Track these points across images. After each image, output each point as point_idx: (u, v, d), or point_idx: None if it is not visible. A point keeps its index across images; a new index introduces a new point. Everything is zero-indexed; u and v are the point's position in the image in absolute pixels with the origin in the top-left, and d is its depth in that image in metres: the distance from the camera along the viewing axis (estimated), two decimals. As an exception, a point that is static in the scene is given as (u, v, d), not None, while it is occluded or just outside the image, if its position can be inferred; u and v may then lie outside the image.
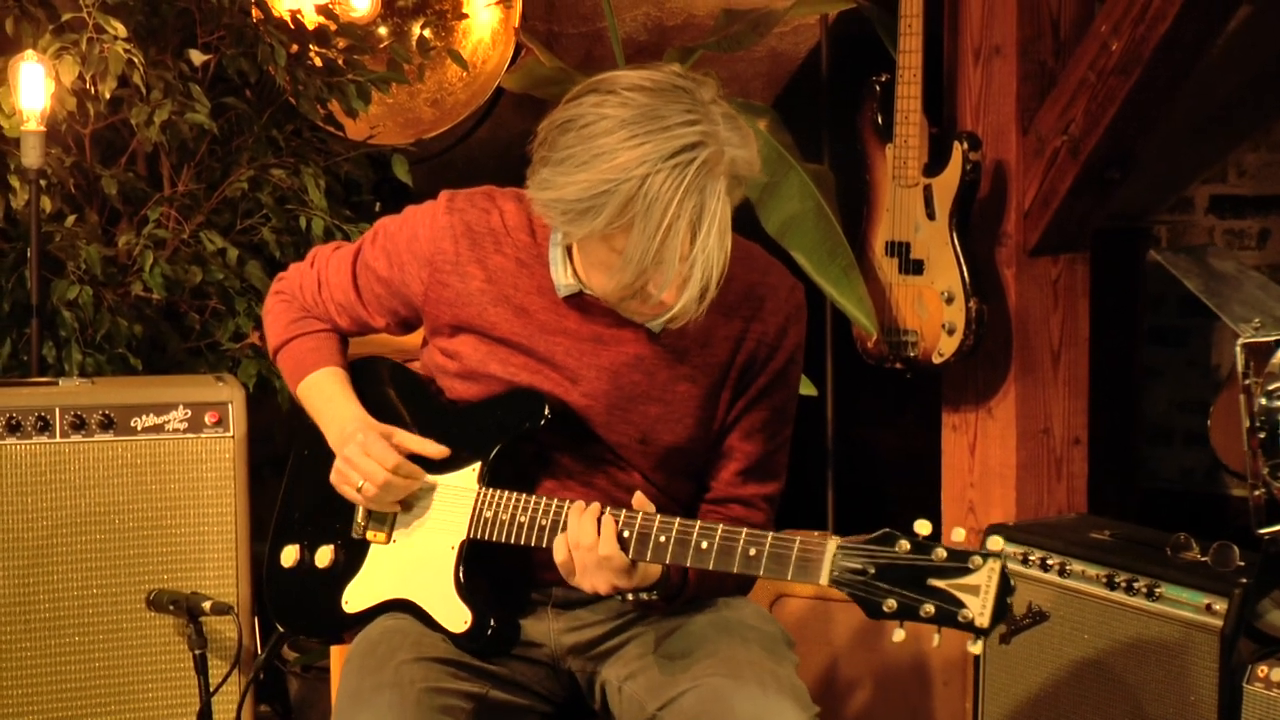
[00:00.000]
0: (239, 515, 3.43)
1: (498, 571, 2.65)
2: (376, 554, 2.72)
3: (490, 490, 2.61)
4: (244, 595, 3.43)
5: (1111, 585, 3.39)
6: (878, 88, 4.11)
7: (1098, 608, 3.42)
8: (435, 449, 2.66)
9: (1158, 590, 3.31)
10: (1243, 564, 3.22)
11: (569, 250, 2.59)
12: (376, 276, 2.74)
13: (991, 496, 4.14)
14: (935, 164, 4.00)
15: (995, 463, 4.13)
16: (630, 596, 2.53)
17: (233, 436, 3.44)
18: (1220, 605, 3.20)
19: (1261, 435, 2.78)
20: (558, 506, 2.54)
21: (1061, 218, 3.99)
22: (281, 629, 2.88)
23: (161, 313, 4.05)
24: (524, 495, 2.58)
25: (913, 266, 4.04)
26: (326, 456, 2.73)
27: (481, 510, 2.61)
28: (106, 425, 3.37)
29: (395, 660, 2.55)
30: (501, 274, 2.64)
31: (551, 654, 2.69)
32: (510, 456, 2.63)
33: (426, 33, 4.79)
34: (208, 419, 3.42)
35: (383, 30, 4.82)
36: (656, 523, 2.44)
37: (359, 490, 2.65)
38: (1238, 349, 2.73)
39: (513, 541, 2.57)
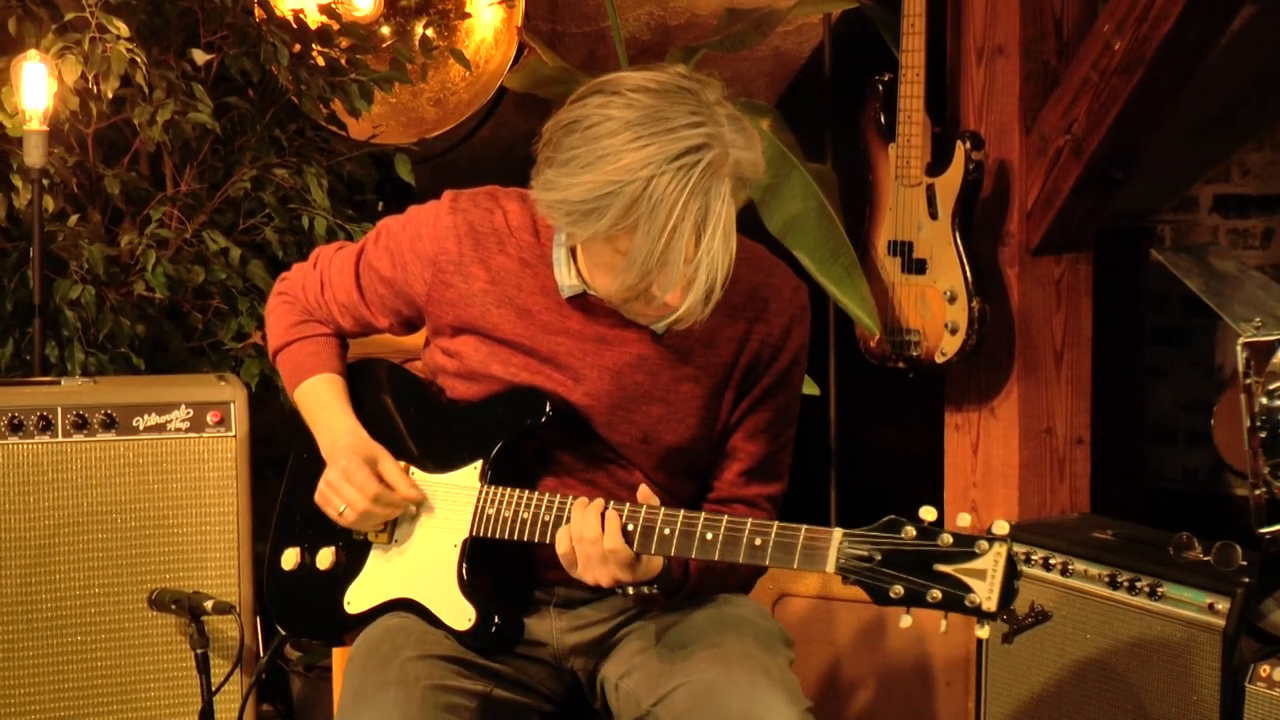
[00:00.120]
0: (241, 515, 3.43)
1: (501, 569, 2.65)
2: (378, 554, 2.73)
3: (492, 488, 2.61)
4: (246, 595, 3.42)
5: (1114, 585, 3.39)
6: (880, 87, 4.11)
7: (1100, 607, 3.42)
8: (409, 492, 2.66)
9: (1160, 590, 3.31)
10: (1245, 564, 3.22)
11: (573, 251, 2.59)
12: (380, 277, 2.74)
13: (994, 496, 4.14)
14: (938, 163, 4.00)
15: (998, 462, 4.13)
16: (631, 591, 2.53)
17: (235, 436, 3.44)
18: (1223, 605, 3.20)
19: (1262, 435, 2.78)
20: (560, 503, 2.54)
21: (1064, 217, 3.99)
22: (283, 632, 2.89)
23: (164, 312, 4.05)
24: (526, 492, 2.58)
25: (915, 266, 4.04)
26: (324, 459, 2.74)
27: (484, 508, 2.61)
28: (109, 425, 3.37)
29: (399, 658, 2.55)
30: (505, 274, 2.64)
31: (554, 653, 2.70)
32: (512, 454, 2.63)
33: (429, 32, 4.79)
34: (210, 419, 3.42)
35: (385, 30, 4.82)
36: (661, 515, 2.44)
37: (339, 515, 2.66)
38: (1238, 348, 2.73)
39: (515, 538, 2.57)
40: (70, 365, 3.82)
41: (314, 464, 2.78)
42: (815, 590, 3.85)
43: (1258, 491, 2.79)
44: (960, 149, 3.94)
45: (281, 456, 2.99)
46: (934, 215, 3.99)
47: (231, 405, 3.44)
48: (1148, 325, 5.86)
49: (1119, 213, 5.19)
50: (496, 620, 2.59)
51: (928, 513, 2.30)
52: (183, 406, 3.42)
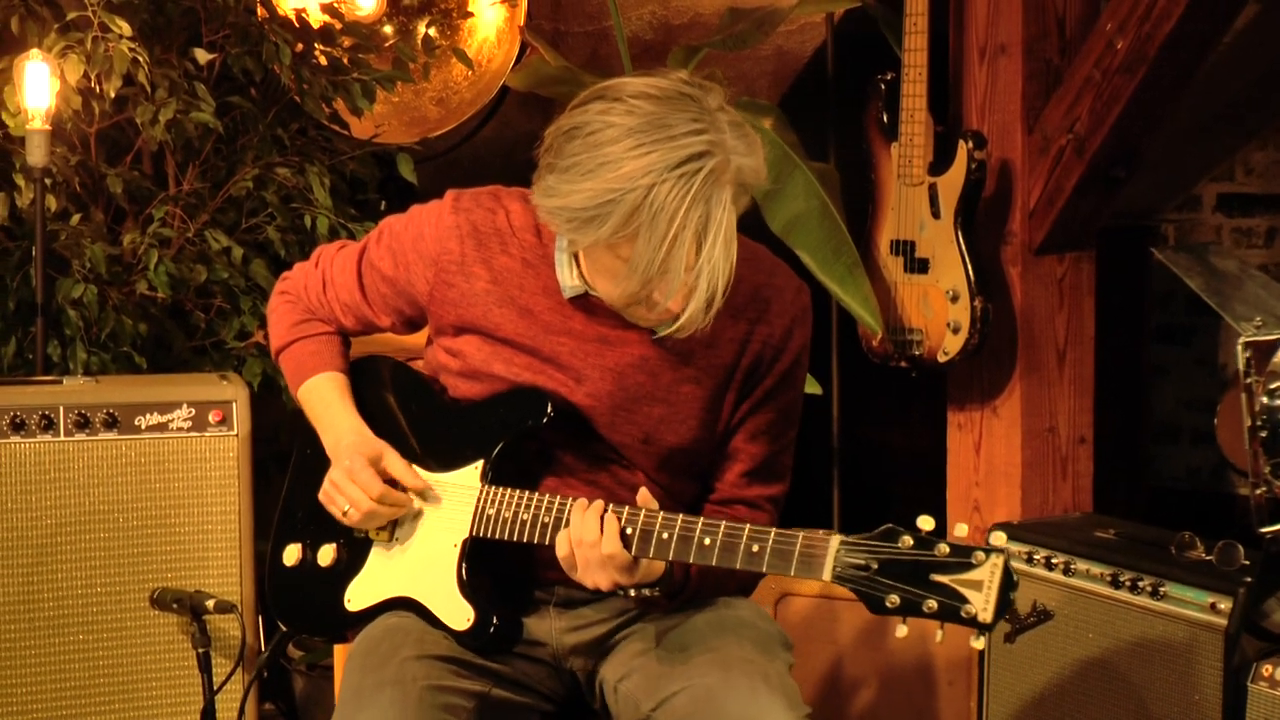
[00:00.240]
0: (243, 514, 3.43)
1: (500, 569, 2.65)
2: (379, 552, 2.73)
3: (493, 488, 2.61)
4: (248, 593, 3.42)
5: (1116, 584, 3.39)
6: (883, 86, 4.10)
7: (1102, 607, 3.42)
8: (416, 482, 2.66)
9: (1162, 589, 3.31)
10: (1247, 563, 3.22)
11: (575, 252, 2.58)
12: (382, 276, 2.74)
13: (997, 495, 4.13)
14: (940, 162, 3.99)
15: (1000, 461, 4.12)
16: (632, 593, 2.53)
17: (236, 435, 3.44)
18: (1225, 604, 3.20)
19: (1263, 434, 2.78)
20: (560, 504, 2.54)
21: (1067, 216, 3.99)
22: (284, 628, 2.89)
23: (166, 311, 4.05)
24: (527, 493, 2.58)
25: (918, 265, 4.03)
26: (328, 458, 2.74)
27: (484, 508, 2.61)
28: (110, 424, 3.37)
29: (397, 658, 2.55)
30: (507, 274, 2.64)
31: (554, 653, 2.70)
32: (513, 454, 2.63)
33: (431, 31, 4.79)
34: (212, 418, 3.42)
35: (388, 29, 4.82)
36: (659, 519, 2.44)
37: (344, 514, 2.66)
38: (1239, 347, 2.73)
39: (515, 539, 2.57)
40: (72, 364, 3.82)
41: (317, 461, 2.78)
42: (817, 590, 3.85)
43: (1259, 491, 2.79)
44: (963, 148, 3.94)
45: (284, 455, 2.99)
46: (936, 214, 3.99)
47: (233, 404, 3.44)
48: (1152, 324, 5.86)
49: (1122, 212, 5.18)
50: (495, 620, 2.59)
51: (925, 522, 2.29)
52: (185, 406, 3.42)
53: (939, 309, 3.99)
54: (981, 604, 2.25)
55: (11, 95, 3.78)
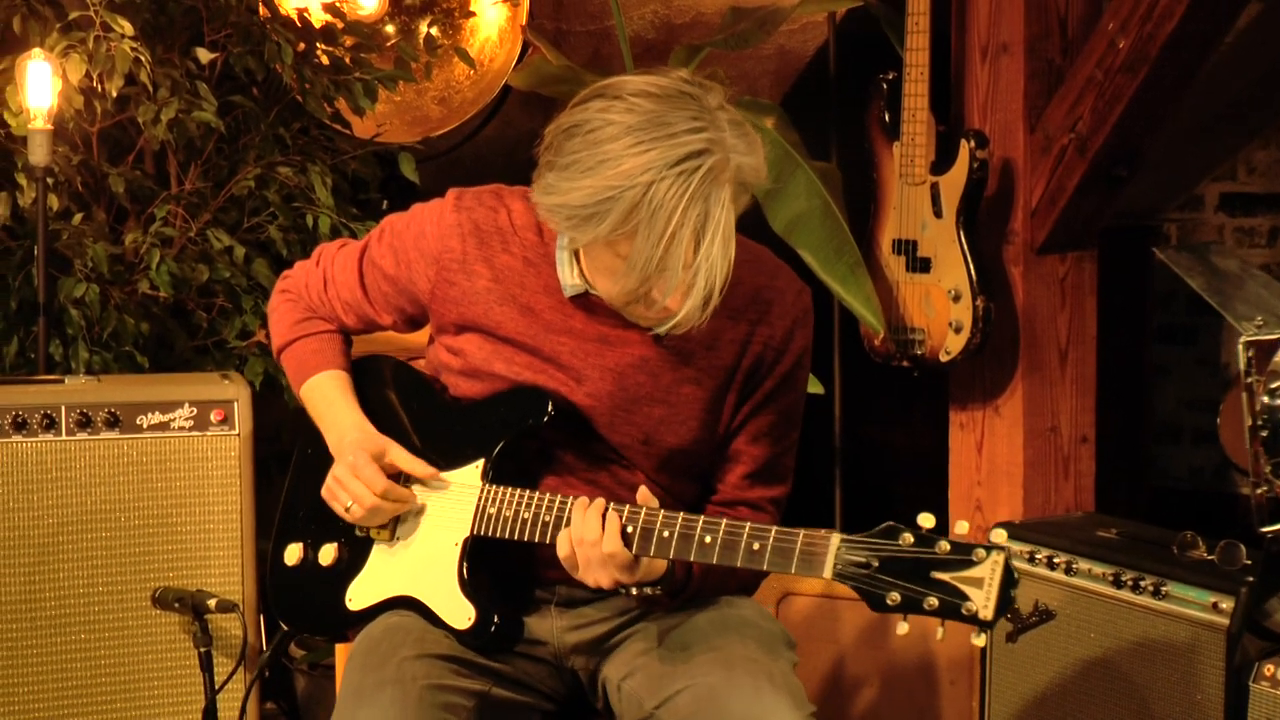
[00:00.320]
0: (244, 513, 3.43)
1: (501, 568, 2.65)
2: (380, 551, 2.73)
3: (494, 487, 2.61)
4: (249, 593, 3.42)
5: (1118, 584, 3.39)
6: (885, 85, 4.10)
7: (1104, 606, 3.42)
8: (424, 469, 2.66)
9: (1164, 589, 3.31)
10: (1249, 562, 3.21)
11: (576, 251, 2.58)
12: (383, 274, 2.74)
13: (999, 495, 4.13)
14: (942, 162, 3.99)
15: (1002, 461, 4.12)
16: (634, 592, 2.53)
17: (238, 434, 3.44)
18: (1227, 604, 3.20)
19: (1264, 434, 2.77)
20: (561, 503, 2.54)
21: (1069, 216, 3.99)
22: (285, 627, 2.89)
23: (168, 311, 4.05)
24: (527, 492, 2.58)
25: (920, 264, 4.03)
26: (329, 456, 2.75)
27: (485, 507, 2.61)
28: (112, 423, 3.37)
29: (397, 657, 2.55)
30: (508, 273, 2.64)
31: (555, 652, 2.70)
32: (513, 453, 2.63)
33: (434, 31, 4.79)
34: (213, 417, 3.42)
35: (390, 28, 4.82)
36: (660, 518, 2.44)
37: (347, 510, 2.66)
38: (1240, 347, 2.73)
39: (516, 538, 2.58)
40: (74, 364, 3.82)
41: (319, 460, 2.78)
42: (819, 589, 3.85)
43: (1259, 490, 2.79)
44: (965, 147, 3.94)
45: (285, 454, 2.99)
46: (938, 214, 3.99)
47: (235, 404, 3.44)
48: (1154, 324, 5.85)
49: (1125, 211, 5.18)
50: (496, 619, 2.60)
51: (926, 519, 2.29)
52: (186, 405, 3.42)
53: (941, 308, 3.99)
54: (982, 601, 2.25)
55: (14, 94, 3.78)
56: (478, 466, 2.64)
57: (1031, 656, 3.55)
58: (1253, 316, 2.79)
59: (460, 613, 2.61)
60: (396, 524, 2.71)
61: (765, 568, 2.39)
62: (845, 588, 2.32)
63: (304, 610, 2.83)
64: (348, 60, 4.23)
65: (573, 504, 2.51)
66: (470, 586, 2.61)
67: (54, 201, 3.86)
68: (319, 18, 4.32)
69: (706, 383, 2.62)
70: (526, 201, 2.62)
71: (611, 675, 2.67)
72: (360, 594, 2.73)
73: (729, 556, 2.40)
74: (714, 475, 2.70)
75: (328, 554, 2.77)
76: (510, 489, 2.60)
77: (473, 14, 4.86)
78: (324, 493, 2.71)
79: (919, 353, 4.05)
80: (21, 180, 3.86)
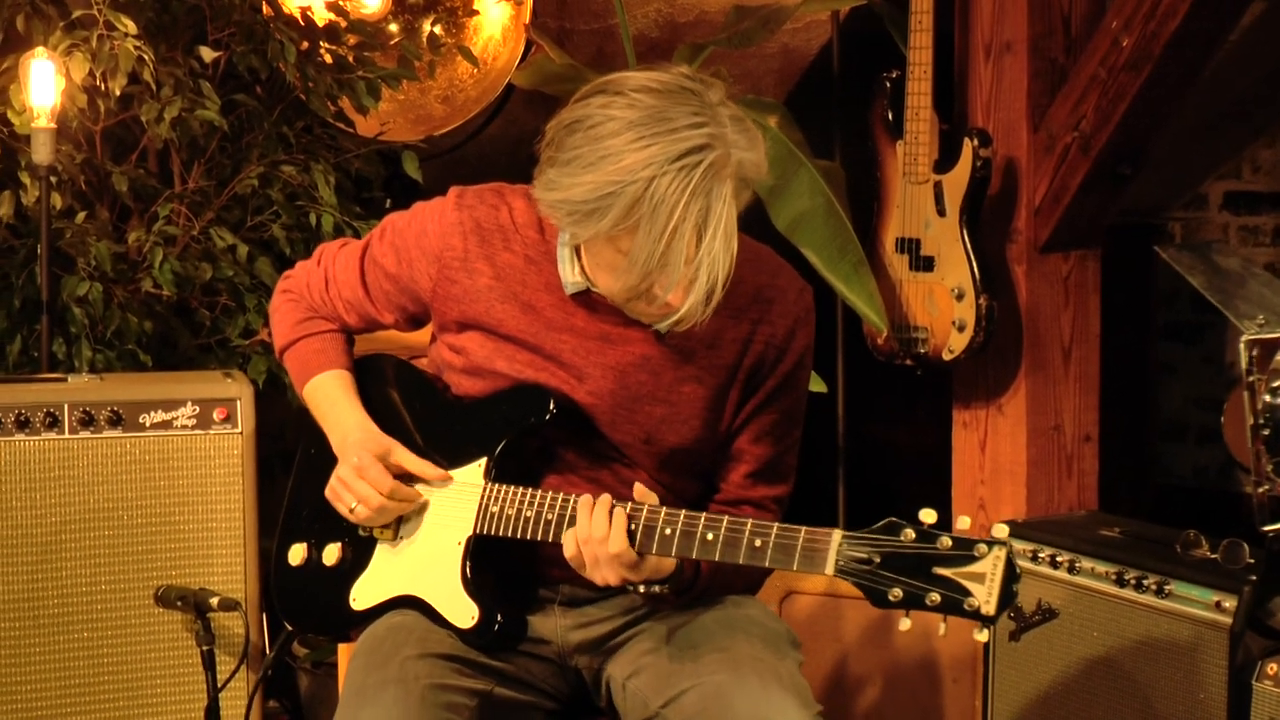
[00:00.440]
0: (247, 511, 3.44)
1: (504, 567, 2.65)
2: (383, 550, 2.73)
3: (496, 485, 2.61)
4: (252, 591, 3.43)
5: (1121, 582, 3.38)
6: (888, 84, 4.10)
7: (1107, 605, 3.41)
8: (433, 471, 2.66)
9: (1167, 588, 3.30)
10: (1252, 561, 3.21)
11: (577, 248, 2.58)
12: (385, 273, 2.74)
13: (1002, 493, 4.13)
14: (946, 160, 3.99)
15: (1006, 460, 4.12)
16: (642, 590, 2.53)
17: (241, 433, 3.44)
18: (1230, 603, 3.19)
19: (1266, 432, 2.77)
20: (563, 501, 2.54)
21: (1072, 214, 3.99)
22: (290, 627, 2.89)
23: (172, 309, 4.05)
24: (530, 490, 2.58)
25: (923, 263, 4.03)
26: (333, 456, 2.75)
27: (487, 505, 2.61)
28: (115, 421, 3.37)
29: (400, 656, 2.55)
30: (510, 271, 2.64)
31: (558, 651, 2.69)
32: (516, 452, 2.63)
33: (437, 29, 4.79)
34: (216, 415, 3.43)
35: (393, 27, 4.82)
36: (662, 515, 2.44)
37: (352, 511, 2.66)
38: (1241, 346, 2.73)
39: (519, 536, 2.57)
40: (78, 362, 3.82)
41: (322, 460, 2.78)
42: (822, 588, 3.85)
43: (1261, 489, 2.79)
44: (968, 146, 3.94)
45: (289, 453, 2.99)
46: (942, 212, 3.99)
47: (238, 402, 3.44)
48: (1159, 322, 5.85)
49: (1129, 209, 5.18)
50: (499, 618, 2.59)
51: (927, 515, 2.29)
52: (189, 403, 3.42)
53: (944, 307, 3.99)
54: (984, 596, 2.25)
55: (17, 93, 3.79)
56: (480, 465, 2.64)
57: (1034, 655, 3.55)
58: (1254, 315, 2.79)
59: (463, 612, 2.61)
60: (399, 523, 2.71)
61: (767, 564, 2.39)
62: (848, 586, 2.32)
63: (308, 610, 2.83)
64: (351, 59, 4.23)
65: (576, 502, 2.51)
66: (473, 585, 2.61)
67: (57, 200, 3.87)
68: (322, 16, 4.32)
69: (708, 381, 2.62)
70: (528, 199, 2.62)
71: (616, 674, 2.67)
72: (364, 593, 2.72)
73: (731, 553, 2.40)
74: (716, 474, 2.70)
75: (331, 554, 2.77)
76: (513, 487, 2.59)
77: (476, 12, 4.86)
78: (328, 493, 2.71)
79: (922, 351, 4.05)
80: (25, 179, 3.86)
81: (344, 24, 4.29)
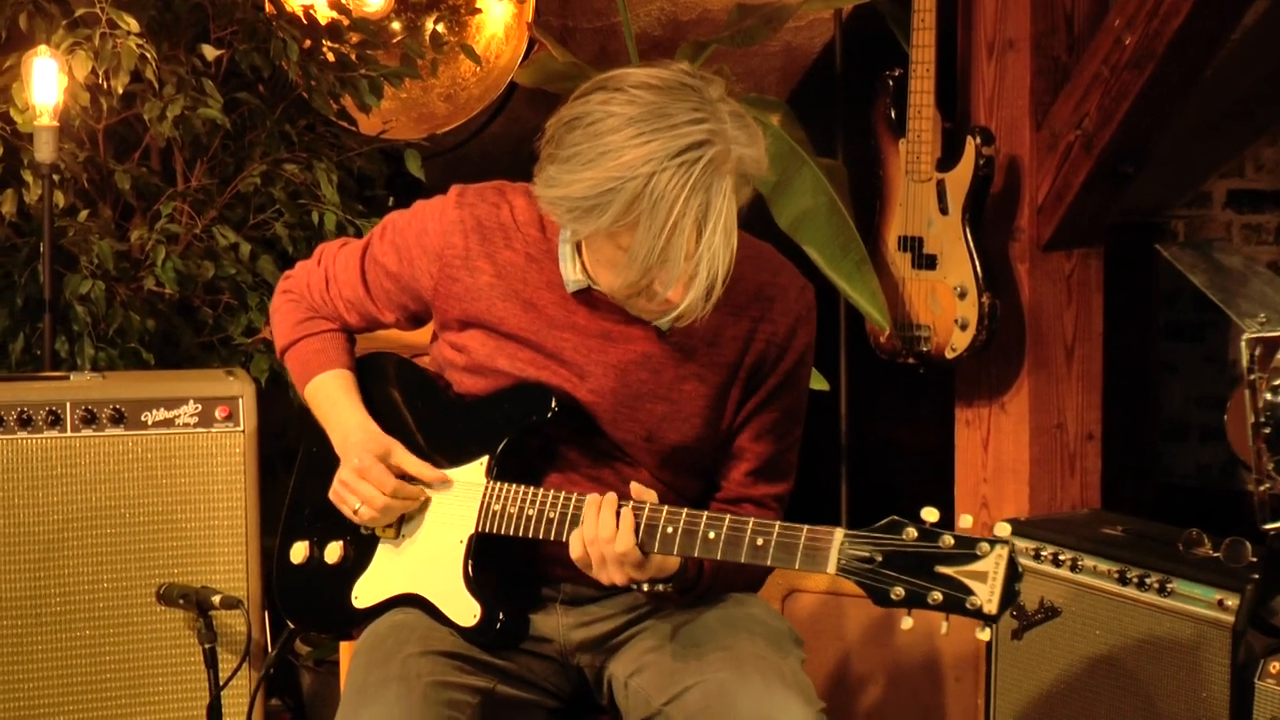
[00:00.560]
0: (249, 510, 3.44)
1: (506, 565, 2.65)
2: (385, 549, 2.73)
3: (498, 484, 2.61)
4: (254, 589, 3.43)
5: (1123, 581, 3.38)
6: (891, 82, 4.10)
7: (1110, 603, 3.41)
8: (431, 474, 2.66)
9: (1170, 586, 3.30)
10: (1255, 560, 3.20)
11: (578, 246, 2.58)
12: (386, 272, 2.74)
13: (1004, 492, 4.13)
14: (948, 159, 3.99)
15: (1008, 458, 4.12)
16: (646, 588, 2.53)
17: (243, 431, 3.44)
18: (1232, 601, 3.19)
19: (1267, 431, 2.77)
20: (565, 499, 2.54)
21: (1075, 212, 3.99)
22: (292, 625, 2.89)
23: (174, 307, 4.06)
24: (532, 488, 2.58)
25: (926, 261, 4.03)
26: (334, 455, 2.75)
27: (489, 504, 2.61)
28: (117, 420, 3.38)
29: (402, 654, 2.55)
30: (511, 269, 2.64)
31: (561, 649, 2.69)
32: (518, 450, 2.63)
33: (440, 27, 4.79)
34: (218, 414, 3.43)
35: (396, 25, 4.82)
36: (664, 513, 2.44)
37: (356, 513, 2.66)
38: (1243, 344, 2.72)
39: (521, 534, 2.57)
40: (80, 360, 3.82)
41: (323, 458, 2.78)
42: (825, 586, 3.85)
43: (1262, 487, 2.79)
44: (970, 144, 3.94)
45: (291, 451, 3.00)
46: (944, 210, 3.99)
47: (240, 400, 3.44)
48: (1161, 321, 5.85)
49: (1132, 208, 5.18)
50: (501, 617, 2.59)
51: (929, 513, 2.29)
52: (191, 402, 3.42)
53: (947, 305, 3.99)
54: (986, 595, 2.25)
55: (20, 92, 3.79)
56: (482, 463, 2.64)
57: (1037, 654, 3.55)
58: (1256, 314, 2.79)
59: (465, 610, 2.61)
60: (402, 522, 2.71)
61: (769, 563, 2.39)
62: (851, 585, 2.32)
63: (311, 608, 2.84)
64: (353, 57, 4.23)
65: (577, 501, 2.51)
66: (475, 584, 2.61)
67: (60, 198, 3.87)
68: (325, 15, 4.32)
69: (709, 379, 2.61)
70: (529, 197, 2.62)
71: (618, 672, 2.67)
72: (366, 592, 2.73)
73: (733, 552, 2.40)
74: (717, 472, 2.70)
75: (333, 552, 2.77)
76: (514, 486, 2.59)
77: (479, 11, 4.87)
78: (331, 495, 2.71)
79: (925, 349, 4.05)
80: (28, 177, 3.87)
81: (346, 22, 4.30)
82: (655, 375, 2.60)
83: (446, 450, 2.69)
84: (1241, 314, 2.80)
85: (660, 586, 2.53)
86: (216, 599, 3.31)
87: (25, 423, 3.33)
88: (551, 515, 2.54)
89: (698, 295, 2.39)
